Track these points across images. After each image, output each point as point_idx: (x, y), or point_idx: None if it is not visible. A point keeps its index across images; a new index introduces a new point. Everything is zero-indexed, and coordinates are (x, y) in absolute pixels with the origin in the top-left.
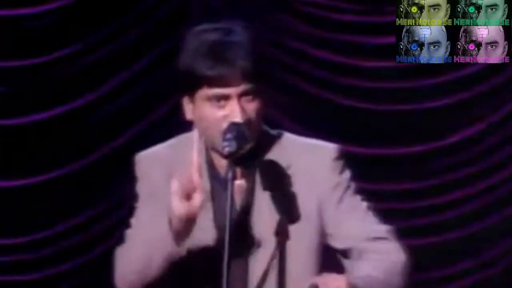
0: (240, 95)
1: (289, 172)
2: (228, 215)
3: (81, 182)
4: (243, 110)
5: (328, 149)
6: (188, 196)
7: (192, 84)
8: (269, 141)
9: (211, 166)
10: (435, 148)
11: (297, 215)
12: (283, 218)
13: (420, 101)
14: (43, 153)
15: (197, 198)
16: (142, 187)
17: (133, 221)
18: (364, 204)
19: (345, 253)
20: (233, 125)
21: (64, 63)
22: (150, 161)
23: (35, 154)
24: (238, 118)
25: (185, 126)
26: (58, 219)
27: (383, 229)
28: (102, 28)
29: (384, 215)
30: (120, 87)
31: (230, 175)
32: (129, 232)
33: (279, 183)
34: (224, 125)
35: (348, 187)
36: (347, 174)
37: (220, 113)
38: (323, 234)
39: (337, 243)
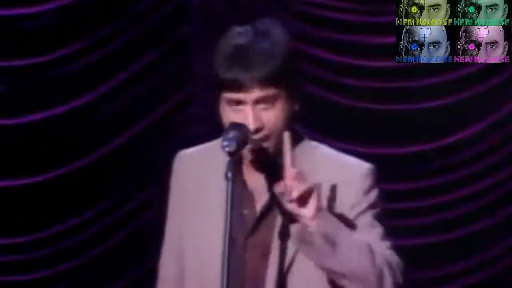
0: (255, 102)
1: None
2: (228, 215)
3: (81, 182)
4: (257, 117)
5: (358, 167)
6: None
7: (215, 85)
8: (305, 153)
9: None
10: (435, 148)
11: None
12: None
13: (420, 101)
14: (43, 153)
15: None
16: (173, 188)
17: (163, 250)
18: (378, 229)
19: None
20: (234, 125)
21: (64, 63)
22: (185, 160)
23: (35, 154)
24: (250, 125)
25: (187, 126)
26: (58, 219)
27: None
28: (101, 27)
29: (384, 215)
30: (120, 86)
31: (230, 174)
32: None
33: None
34: None
35: (368, 208)
36: (372, 195)
37: (235, 118)
38: None
39: None
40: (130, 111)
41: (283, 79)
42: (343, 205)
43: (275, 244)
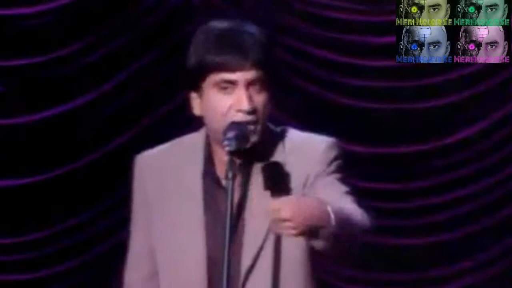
0: (249, 83)
1: (285, 168)
2: (228, 215)
3: (81, 182)
4: (250, 98)
5: (319, 142)
6: None
7: (200, 73)
8: (271, 138)
9: (208, 163)
10: (435, 148)
11: None
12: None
13: (420, 101)
14: (43, 153)
15: None
16: (136, 192)
17: (130, 247)
18: (343, 187)
19: None
20: (234, 124)
21: (64, 63)
22: (146, 163)
23: (35, 154)
24: (245, 106)
25: (186, 126)
26: (58, 219)
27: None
28: (102, 27)
29: (384, 214)
30: (120, 86)
31: (230, 174)
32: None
33: (273, 179)
34: (231, 115)
35: (331, 173)
36: (334, 165)
37: (227, 100)
38: None
39: None
40: (130, 110)
41: (272, 61)
42: (306, 178)
43: (247, 235)
